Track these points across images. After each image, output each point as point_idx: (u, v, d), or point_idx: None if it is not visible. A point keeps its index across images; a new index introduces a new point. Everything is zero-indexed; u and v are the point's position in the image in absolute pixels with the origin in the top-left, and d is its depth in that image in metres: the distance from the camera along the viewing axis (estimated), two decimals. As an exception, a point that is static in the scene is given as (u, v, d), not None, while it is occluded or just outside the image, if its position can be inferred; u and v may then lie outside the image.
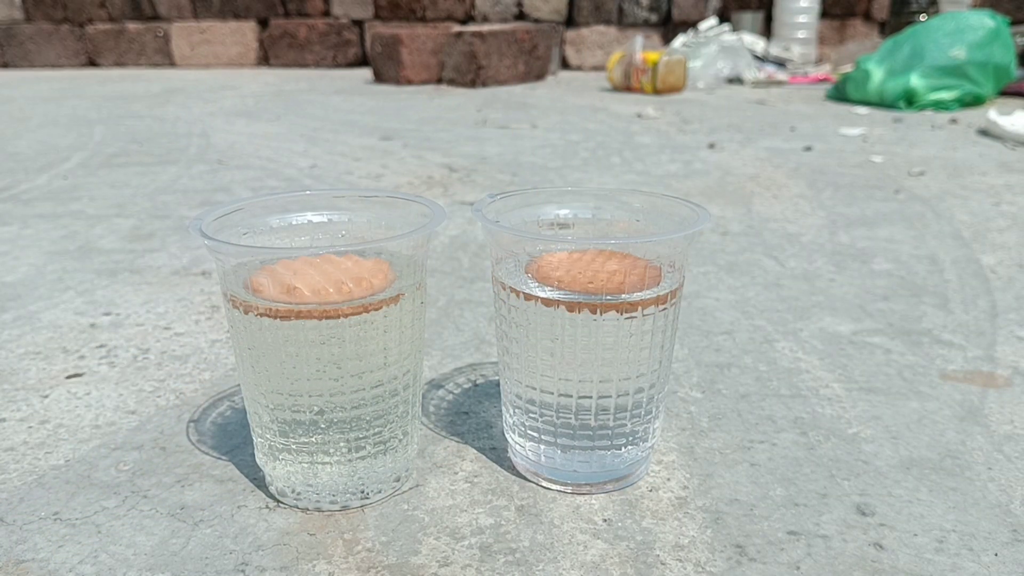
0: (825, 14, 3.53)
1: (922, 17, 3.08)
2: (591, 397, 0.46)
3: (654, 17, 3.59)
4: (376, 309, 0.43)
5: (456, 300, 0.80)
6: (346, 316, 0.42)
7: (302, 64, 3.84)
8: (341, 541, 0.44)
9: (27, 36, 3.95)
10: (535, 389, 0.46)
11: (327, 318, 0.42)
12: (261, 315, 0.42)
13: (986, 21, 2.21)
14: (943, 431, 0.55)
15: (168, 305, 0.80)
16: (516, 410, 0.48)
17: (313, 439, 0.44)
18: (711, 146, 1.69)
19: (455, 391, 0.61)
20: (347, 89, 2.88)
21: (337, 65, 3.82)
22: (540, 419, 0.47)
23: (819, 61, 3.41)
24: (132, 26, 3.92)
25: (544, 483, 0.49)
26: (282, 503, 0.47)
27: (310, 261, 0.43)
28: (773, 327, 0.73)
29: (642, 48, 2.71)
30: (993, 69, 2.21)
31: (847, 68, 2.80)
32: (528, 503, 0.47)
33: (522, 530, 0.45)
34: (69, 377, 0.64)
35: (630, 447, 0.48)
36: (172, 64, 3.96)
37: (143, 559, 0.42)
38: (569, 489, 0.48)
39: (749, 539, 0.44)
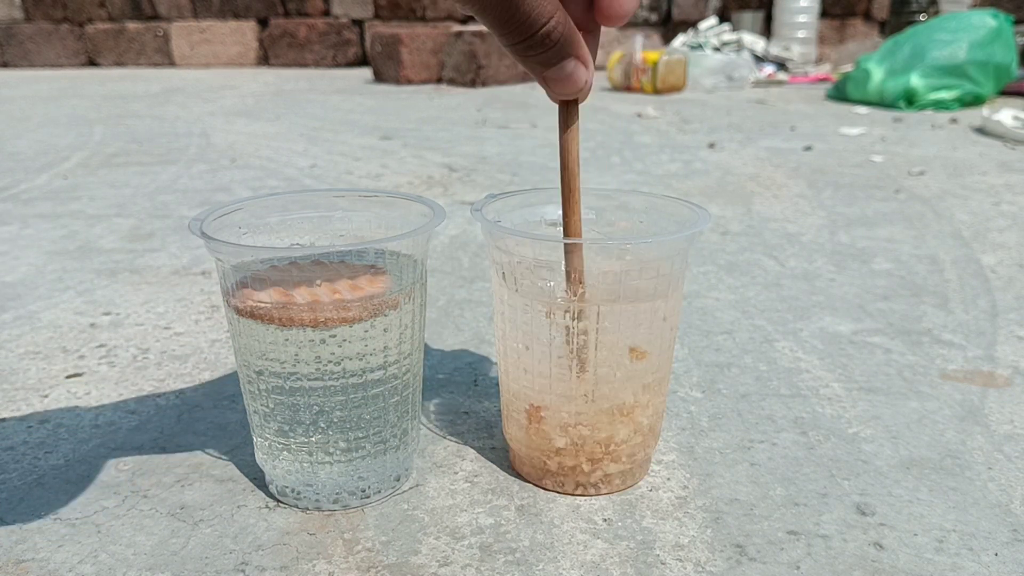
0: (825, 14, 3.53)
1: (922, 17, 3.09)
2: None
3: (654, 17, 3.59)
4: (376, 311, 0.43)
5: (456, 300, 0.80)
6: (347, 323, 0.42)
7: (302, 64, 3.84)
8: (341, 541, 0.44)
9: (27, 36, 3.95)
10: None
11: (326, 327, 0.42)
12: (259, 319, 0.42)
13: (987, 20, 2.21)
14: (943, 431, 0.55)
15: (168, 305, 0.80)
16: (516, 410, 0.48)
17: (313, 439, 0.44)
18: (711, 146, 1.69)
19: (455, 391, 0.61)
20: (347, 89, 2.88)
21: (337, 65, 3.82)
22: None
23: (819, 61, 3.42)
24: (132, 26, 3.92)
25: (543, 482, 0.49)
26: (282, 503, 0.47)
27: (301, 267, 0.43)
28: (773, 327, 0.73)
29: (642, 48, 2.71)
30: (994, 69, 2.21)
31: (847, 68, 2.81)
32: (528, 503, 0.47)
33: (522, 530, 0.45)
34: (69, 377, 0.64)
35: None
36: (172, 64, 3.96)
37: (143, 559, 0.42)
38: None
39: (749, 539, 0.44)
